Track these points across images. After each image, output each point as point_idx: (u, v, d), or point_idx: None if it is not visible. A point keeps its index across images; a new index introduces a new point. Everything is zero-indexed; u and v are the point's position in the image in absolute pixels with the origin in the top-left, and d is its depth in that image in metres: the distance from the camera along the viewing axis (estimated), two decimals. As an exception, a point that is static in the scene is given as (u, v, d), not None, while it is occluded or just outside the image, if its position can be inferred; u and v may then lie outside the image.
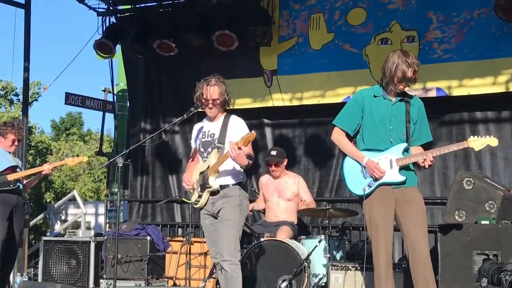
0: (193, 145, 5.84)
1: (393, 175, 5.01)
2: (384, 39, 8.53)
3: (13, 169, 7.56)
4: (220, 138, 5.49)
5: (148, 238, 8.32)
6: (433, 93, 8.16)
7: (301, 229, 7.86)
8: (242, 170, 5.57)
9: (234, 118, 5.61)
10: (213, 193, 5.49)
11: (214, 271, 6.59)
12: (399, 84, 5.03)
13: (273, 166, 7.66)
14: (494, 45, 7.95)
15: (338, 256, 6.96)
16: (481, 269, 5.74)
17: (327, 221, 6.95)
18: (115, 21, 10.23)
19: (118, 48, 10.41)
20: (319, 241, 6.76)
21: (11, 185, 7.44)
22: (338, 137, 5.26)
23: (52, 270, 8.53)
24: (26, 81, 10.24)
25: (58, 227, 13.55)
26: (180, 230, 9.72)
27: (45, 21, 64.92)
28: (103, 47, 9.79)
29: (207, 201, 5.52)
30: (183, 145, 9.84)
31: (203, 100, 5.52)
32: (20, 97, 25.94)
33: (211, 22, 9.21)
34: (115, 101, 12.71)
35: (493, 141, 5.05)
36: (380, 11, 8.58)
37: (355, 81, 8.55)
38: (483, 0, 7.94)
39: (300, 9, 9.10)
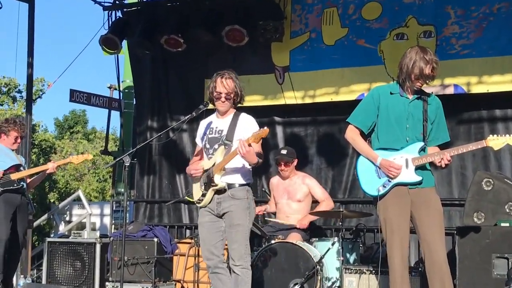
0: (198, 142, 5.80)
1: (409, 175, 5.01)
2: (400, 34, 8.51)
3: (16, 167, 7.60)
4: (228, 135, 5.47)
5: (155, 239, 8.33)
6: (450, 90, 8.14)
7: (314, 231, 7.86)
8: (250, 170, 5.56)
9: (244, 116, 5.60)
10: (219, 191, 5.46)
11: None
12: (416, 81, 5.03)
13: (282, 165, 7.67)
14: (514, 41, 7.93)
15: (351, 259, 6.96)
16: (510, 272, 5.73)
17: (340, 223, 6.95)
18: (121, 16, 10.23)
19: (125, 43, 10.42)
20: (332, 244, 6.75)
21: (15, 185, 7.48)
22: (352, 135, 5.26)
23: (56, 272, 8.58)
24: (30, 78, 10.27)
25: (62, 228, 13.61)
26: (188, 231, 9.74)
27: (49, 16, 65.23)
28: (109, 43, 9.80)
29: (211, 199, 5.50)
30: (191, 144, 9.83)
31: (215, 93, 5.49)
32: (24, 94, 26.10)
33: (221, 17, 9.21)
34: (121, 98, 12.75)
35: (513, 140, 5.03)
36: (396, 5, 8.56)
37: (369, 77, 8.53)
38: (503, -6, 7.92)
39: (313, 3, 9.08)
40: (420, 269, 6.07)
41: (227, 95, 5.48)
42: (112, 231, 10.28)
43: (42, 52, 60.77)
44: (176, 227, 9.80)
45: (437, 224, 4.99)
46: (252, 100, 9.14)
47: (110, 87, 16.82)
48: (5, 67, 57.45)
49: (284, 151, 7.73)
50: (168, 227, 9.51)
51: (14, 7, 11.17)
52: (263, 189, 8.66)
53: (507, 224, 6.10)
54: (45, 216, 13.69)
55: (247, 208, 5.45)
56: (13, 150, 7.75)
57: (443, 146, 5.19)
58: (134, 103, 11.82)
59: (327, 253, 6.66)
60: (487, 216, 6.31)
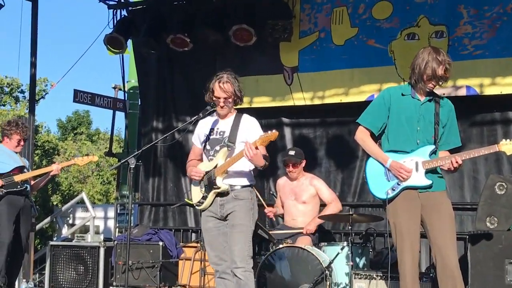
0: (196, 143, 5.78)
1: (419, 179, 5.01)
2: (411, 34, 8.52)
3: (20, 169, 7.63)
4: (230, 137, 5.48)
5: (161, 243, 8.34)
6: (463, 92, 8.14)
7: (323, 235, 7.87)
8: (251, 172, 5.57)
9: (246, 117, 5.61)
10: (221, 194, 5.47)
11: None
12: (429, 82, 5.03)
13: (290, 166, 7.69)
14: (529, 42, 7.93)
15: (361, 264, 6.96)
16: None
17: (350, 227, 6.94)
18: (126, 15, 10.26)
19: (130, 43, 10.45)
20: (342, 248, 6.76)
21: (18, 186, 7.51)
22: (362, 136, 5.27)
23: (59, 277, 8.60)
24: (33, 77, 10.32)
25: (65, 231, 13.60)
26: (193, 235, 9.75)
27: (53, 15, 65.35)
28: (114, 42, 9.83)
29: (212, 202, 5.51)
30: (197, 146, 9.86)
31: (214, 98, 5.51)
32: (26, 94, 26.20)
33: (228, 16, 9.25)
34: (126, 99, 12.77)
35: (527, 144, 5.02)
36: (407, 4, 8.56)
37: (380, 78, 8.55)
38: (517, -6, 7.92)
39: (322, 2, 9.10)
40: (431, 274, 6.07)
41: (225, 99, 5.49)
42: (116, 234, 10.31)
43: (46, 51, 60.91)
44: (181, 230, 9.82)
45: (448, 229, 4.99)
46: (260, 101, 9.19)
47: (114, 88, 16.85)
48: (8, 67, 57.69)
49: (292, 152, 7.75)
50: (173, 230, 9.54)
51: (17, 5, 11.23)
52: (271, 192, 8.67)
53: (521, 229, 6.10)
54: (48, 219, 13.75)
55: (250, 209, 5.47)
56: (17, 152, 7.78)
57: (454, 151, 5.19)
58: (139, 103, 11.85)
59: (336, 258, 6.68)
60: (500, 221, 6.30)
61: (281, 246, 6.86)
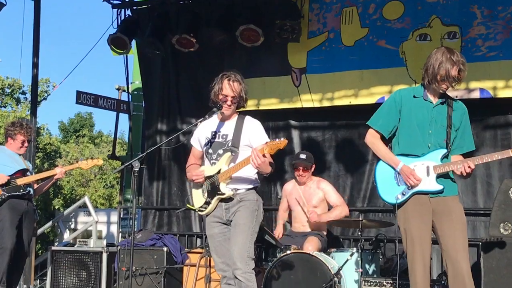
0: (196, 145, 5.76)
1: (430, 184, 5.02)
2: (423, 35, 8.51)
3: (23, 172, 7.64)
4: (234, 141, 5.47)
5: (165, 249, 8.34)
6: (476, 94, 8.13)
7: (331, 241, 7.87)
8: (256, 176, 5.56)
9: (249, 120, 5.60)
10: (226, 199, 5.47)
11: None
12: (442, 83, 5.03)
13: (300, 170, 7.68)
14: (544, 43, 7.92)
15: (371, 271, 6.96)
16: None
17: (359, 233, 6.95)
18: (131, 14, 10.26)
19: (134, 43, 10.47)
20: (351, 255, 6.77)
21: (21, 190, 7.52)
22: (372, 139, 5.27)
23: (60, 283, 8.62)
24: (35, 78, 10.35)
25: (67, 236, 13.66)
26: (198, 240, 9.75)
27: (56, 14, 65.55)
28: (118, 42, 9.83)
29: (215, 207, 5.52)
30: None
31: (221, 96, 5.48)
32: (28, 95, 26.29)
33: (235, 16, 9.25)
34: (130, 100, 12.79)
35: (542, 149, 5.01)
36: (419, 4, 8.57)
37: (390, 80, 8.55)
38: (533, -6, 7.92)
39: (331, 2, 9.11)
40: (443, 282, 6.07)
41: (233, 98, 5.48)
42: (120, 239, 10.31)
43: (48, 52, 61.12)
44: (186, 235, 9.82)
45: (460, 235, 4.98)
46: (267, 104, 9.18)
47: (118, 89, 16.91)
48: (9, 67, 57.88)
49: (303, 156, 7.74)
50: (178, 235, 9.54)
51: (19, 4, 11.24)
52: (278, 197, 8.66)
53: (535, 236, 6.09)
54: (49, 223, 13.76)
55: (255, 210, 5.46)
56: (20, 154, 7.80)
57: (467, 155, 5.18)
58: (144, 105, 11.86)
59: (345, 264, 6.68)
60: (514, 227, 6.30)
61: (288, 252, 6.86)
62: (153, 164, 10.27)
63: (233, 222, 5.44)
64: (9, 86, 27.56)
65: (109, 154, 16.16)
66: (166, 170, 10.20)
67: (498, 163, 8.07)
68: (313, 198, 7.67)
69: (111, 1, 10.35)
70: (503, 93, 8.08)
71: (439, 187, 5.02)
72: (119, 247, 8.62)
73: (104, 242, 9.14)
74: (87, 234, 13.01)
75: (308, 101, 9.13)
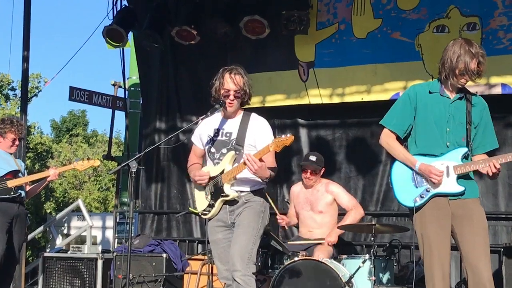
0: (197, 143, 5.75)
1: (450, 185, 4.98)
2: (441, 27, 8.50)
3: (14, 174, 7.63)
4: (238, 139, 5.44)
5: (164, 255, 8.35)
6: (498, 90, 8.12)
7: (342, 247, 7.85)
8: None
9: (255, 117, 5.57)
10: (230, 202, 5.45)
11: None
12: (461, 78, 5.00)
13: (309, 173, 7.65)
14: None
15: (385, 279, 6.94)
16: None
17: (372, 238, 6.92)
18: (127, 5, 10.27)
19: (131, 35, 10.47)
20: (363, 262, 6.74)
21: (12, 193, 7.51)
22: (387, 140, 5.24)
23: (53, 291, 8.61)
24: (25, 73, 10.33)
25: (59, 242, 13.64)
26: (200, 246, 9.75)
27: (47, 5, 65.66)
28: (114, 35, 9.83)
29: (219, 210, 5.50)
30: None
31: (222, 91, 5.44)
32: (18, 91, 26.30)
33: (239, 6, 9.26)
34: (126, 97, 12.81)
35: None
36: (436, -7, 8.56)
37: (405, 74, 8.54)
38: (558, -18, 7.89)
39: (342, -9, 9.10)
40: (462, 291, 6.05)
41: (236, 92, 5.44)
42: (116, 245, 10.32)
43: (39, 45, 61.19)
44: (187, 241, 9.82)
45: (481, 241, 4.95)
46: (273, 100, 9.17)
47: (114, 85, 16.94)
48: (-2, 62, 58.01)
49: (313, 158, 7.70)
50: (178, 241, 9.54)
51: (8, -5, 11.26)
52: (285, 199, 8.64)
53: (561, 241, 6.07)
54: (41, 228, 13.75)
55: (261, 211, 5.45)
56: (11, 154, 7.79)
57: (490, 154, 5.15)
58: (141, 102, 11.87)
59: (357, 272, 6.65)
60: (539, 232, 6.28)
61: (296, 259, 6.84)
62: (151, 164, 10.27)
63: (236, 222, 5.42)
64: (-3, 82, 27.63)
65: (104, 155, 16.16)
66: (165, 171, 10.20)
67: (521, 164, 8.05)
68: (319, 203, 7.63)
69: (107, -9, 10.35)
70: (527, 89, 8.07)
71: (460, 188, 4.99)
72: (115, 254, 8.64)
73: (99, 248, 9.15)
74: (81, 240, 12.98)
75: (316, 96, 9.11)
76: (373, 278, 6.61)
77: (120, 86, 16.53)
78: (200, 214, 5.65)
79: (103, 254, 8.62)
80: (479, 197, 5.19)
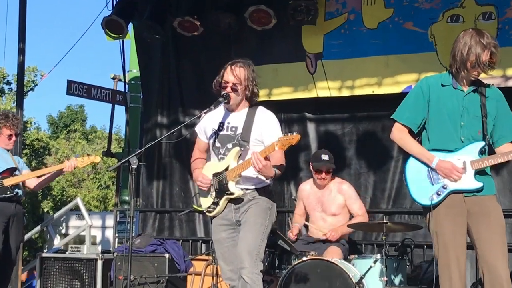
0: (201, 135, 5.76)
1: (468, 181, 4.96)
2: (455, 16, 8.48)
3: (10, 172, 7.61)
4: (244, 134, 5.45)
5: (167, 255, 8.37)
6: (514, 82, 8.10)
7: (352, 247, 7.84)
8: None
9: (261, 111, 5.57)
10: (235, 200, 5.46)
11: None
12: (473, 70, 4.98)
13: (324, 173, 7.60)
14: None
15: (397, 280, 6.93)
16: None
17: (383, 237, 6.92)
18: (127, -6, 10.26)
19: (131, 27, 10.46)
20: (374, 262, 6.74)
21: (8, 192, 7.50)
22: (400, 135, 5.21)
23: (51, 293, 8.62)
24: (21, 66, 10.35)
25: (57, 242, 13.65)
26: (203, 246, 9.75)
27: (42, -4, 65.59)
28: (113, 26, 9.83)
29: (224, 208, 5.50)
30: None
31: (222, 83, 5.47)
32: (13, 86, 26.31)
33: (244, -4, 9.24)
34: (126, 91, 12.80)
35: None
36: (451, -19, 8.54)
37: (418, 66, 8.52)
38: None
39: (352, -21, 9.08)
40: (478, 292, 6.04)
41: (234, 85, 5.44)
42: (116, 245, 10.33)
43: (36, 37, 61.20)
44: (190, 241, 9.82)
45: (498, 240, 4.94)
46: (279, 93, 9.16)
47: (114, 78, 16.95)
48: (-7, 55, 57.99)
49: (325, 157, 7.65)
50: (181, 241, 9.55)
51: (3, -16, 11.28)
52: (293, 197, 8.64)
53: None
54: (38, 228, 13.77)
55: (268, 208, 5.46)
56: (8, 150, 7.78)
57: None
58: (142, 96, 11.86)
59: (368, 272, 6.66)
60: (558, 230, 6.26)
61: (305, 258, 6.83)
62: (153, 161, 10.27)
63: (243, 220, 5.43)
64: (-8, 75, 27.64)
65: (103, 151, 16.19)
66: (167, 168, 10.20)
67: (538, 159, 8.02)
68: (331, 206, 7.62)
69: (106, -20, 10.35)
70: (544, 81, 8.05)
71: (478, 184, 4.96)
72: (115, 254, 8.65)
73: (99, 248, 9.16)
74: (79, 240, 13.01)
75: (324, 89, 9.10)
76: (385, 278, 6.61)
77: (120, 80, 16.54)
78: (204, 211, 5.66)
79: (103, 255, 8.63)
80: (496, 194, 5.18)
